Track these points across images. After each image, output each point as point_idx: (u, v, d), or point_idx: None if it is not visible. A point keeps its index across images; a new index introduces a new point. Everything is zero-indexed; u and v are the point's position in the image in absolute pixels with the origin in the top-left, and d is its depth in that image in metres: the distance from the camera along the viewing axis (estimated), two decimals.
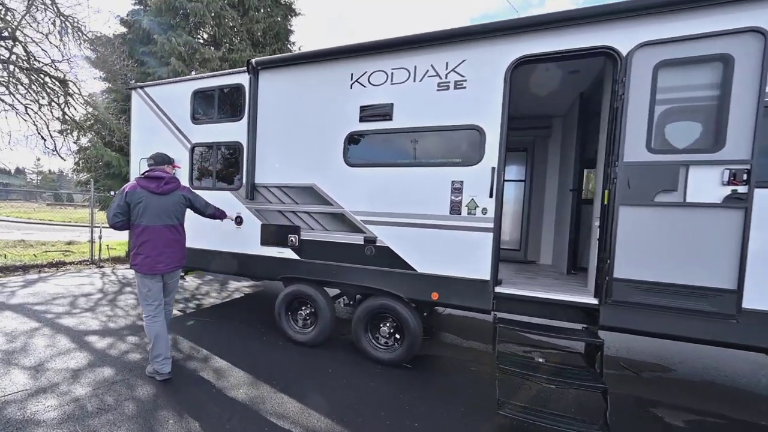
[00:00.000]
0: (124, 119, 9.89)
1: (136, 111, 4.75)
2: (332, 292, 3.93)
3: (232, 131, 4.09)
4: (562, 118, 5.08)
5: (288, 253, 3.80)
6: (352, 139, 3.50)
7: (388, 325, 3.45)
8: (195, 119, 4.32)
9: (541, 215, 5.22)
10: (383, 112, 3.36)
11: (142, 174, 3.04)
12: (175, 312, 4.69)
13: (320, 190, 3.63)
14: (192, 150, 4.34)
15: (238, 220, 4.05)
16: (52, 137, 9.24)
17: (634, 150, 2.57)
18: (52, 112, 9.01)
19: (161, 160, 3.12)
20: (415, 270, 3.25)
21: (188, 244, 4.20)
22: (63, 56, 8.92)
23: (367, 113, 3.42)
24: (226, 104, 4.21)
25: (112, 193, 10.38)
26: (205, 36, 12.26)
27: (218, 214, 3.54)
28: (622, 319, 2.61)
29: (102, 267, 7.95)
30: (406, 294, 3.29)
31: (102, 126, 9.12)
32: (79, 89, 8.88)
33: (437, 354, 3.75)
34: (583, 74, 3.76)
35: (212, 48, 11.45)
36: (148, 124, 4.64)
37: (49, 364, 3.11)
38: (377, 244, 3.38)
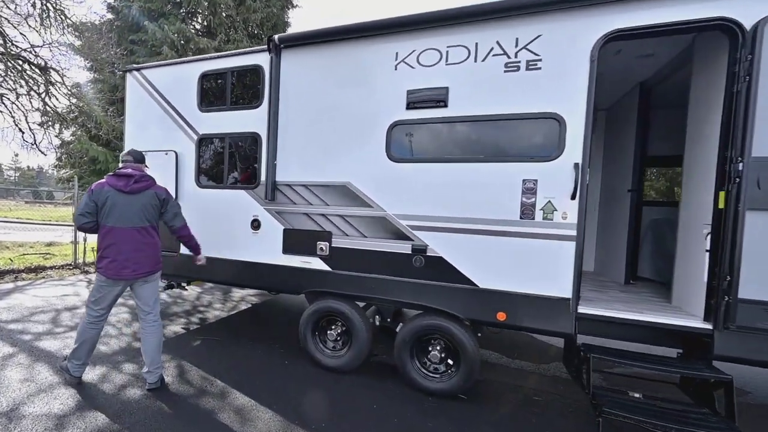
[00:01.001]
0: (113, 111, 9.15)
1: (131, 97, 4.11)
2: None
3: (249, 120, 3.51)
4: (605, 111, 4.66)
5: (316, 263, 3.24)
6: (397, 129, 2.97)
7: (438, 348, 2.93)
8: (203, 107, 3.72)
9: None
10: (436, 98, 2.84)
11: (113, 171, 2.82)
12: (177, 329, 4.08)
13: (356, 189, 3.09)
14: (199, 142, 3.73)
15: (255, 224, 3.47)
16: (31, 130, 8.41)
17: None
18: (31, 103, 8.19)
19: (140, 157, 2.89)
20: (476, 285, 2.74)
21: (185, 249, 3.65)
22: (44, 42, 8.11)
23: (416, 99, 2.89)
24: (241, 89, 3.62)
25: None
26: (198, 26, 11.56)
27: (186, 239, 3.04)
28: (747, 348, 2.16)
29: (87, 272, 7.20)
30: (464, 313, 2.77)
31: (87, 118, 8.34)
32: (62, 78, 8.09)
33: (488, 378, 3.25)
34: (655, 59, 3.31)
35: (206, 38, 10.78)
36: (145, 112, 4.01)
37: (25, 409, 2.47)
38: (428, 253, 2.86)
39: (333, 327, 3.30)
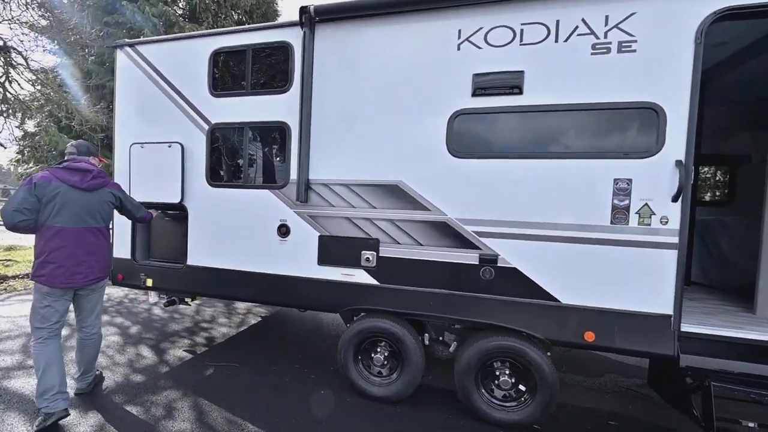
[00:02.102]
0: (87, 99, 8.18)
1: (122, 79, 3.46)
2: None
3: (274, 108, 2.99)
4: None
5: (361, 276, 2.78)
6: (461, 120, 2.56)
7: (508, 373, 2.55)
8: (216, 91, 3.16)
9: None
10: (509, 83, 2.45)
11: (59, 163, 2.53)
12: (181, 354, 3.48)
13: (410, 189, 2.65)
14: (211, 133, 3.16)
15: (283, 230, 2.96)
16: None
17: None
18: None
19: (86, 149, 2.65)
20: (558, 301, 2.38)
21: (197, 261, 3.10)
22: (2, 18, 7.08)
23: (485, 85, 2.49)
24: (264, 70, 3.08)
25: None
26: (180, 11, 10.66)
27: (148, 217, 3.02)
28: None
29: None
30: (544, 333, 2.41)
31: (57, 107, 7.37)
32: (25, 60, 7.08)
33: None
34: (721, 50, 3.07)
35: (190, 23, 9.92)
36: (140, 96, 3.38)
37: None
38: (499, 264, 2.47)
39: (379, 350, 2.86)
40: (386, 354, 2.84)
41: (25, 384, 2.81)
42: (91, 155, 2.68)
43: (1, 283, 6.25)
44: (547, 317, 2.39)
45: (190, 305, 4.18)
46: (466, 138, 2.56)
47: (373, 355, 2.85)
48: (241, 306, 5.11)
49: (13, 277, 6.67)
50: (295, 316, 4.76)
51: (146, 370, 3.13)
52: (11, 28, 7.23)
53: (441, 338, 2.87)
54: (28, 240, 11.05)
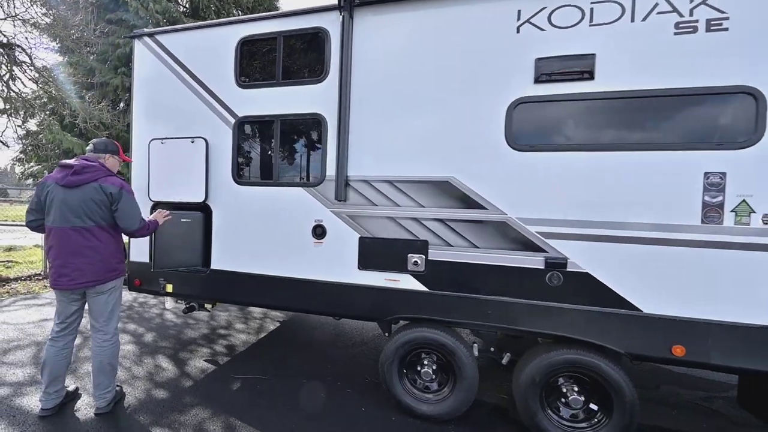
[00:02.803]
0: (91, 97, 7.93)
1: (141, 71, 3.21)
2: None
3: (308, 99, 2.74)
4: None
5: (407, 282, 2.53)
6: (522, 109, 2.31)
7: (577, 390, 2.29)
8: (243, 82, 2.91)
9: None
10: (578, 68, 2.20)
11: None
12: (203, 365, 3.22)
13: (463, 186, 2.40)
14: (238, 127, 2.91)
15: (318, 231, 2.71)
16: None
17: None
18: None
19: (103, 147, 2.49)
20: (640, 310, 2.12)
21: (222, 265, 2.85)
22: (6, 14, 6.84)
23: (549, 70, 2.24)
24: (296, 59, 2.84)
25: None
26: (181, 9, 10.44)
27: (140, 232, 2.52)
28: None
29: None
30: (624, 346, 2.15)
31: (61, 105, 7.11)
32: (30, 58, 6.83)
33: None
34: None
35: (193, 20, 9.69)
36: (160, 89, 3.13)
37: None
38: (568, 269, 2.22)
39: (426, 363, 2.60)
40: (434, 367, 2.59)
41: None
42: (110, 153, 2.50)
43: (3, 285, 5.98)
44: (626, 328, 2.13)
45: (209, 311, 3.93)
46: (529, 129, 2.31)
47: (420, 368, 2.60)
48: (256, 310, 4.85)
49: (15, 280, 6.41)
50: (314, 321, 4.49)
51: (169, 384, 2.87)
52: (14, 26, 6.99)
53: (492, 349, 2.62)
54: (28, 240, 10.79)
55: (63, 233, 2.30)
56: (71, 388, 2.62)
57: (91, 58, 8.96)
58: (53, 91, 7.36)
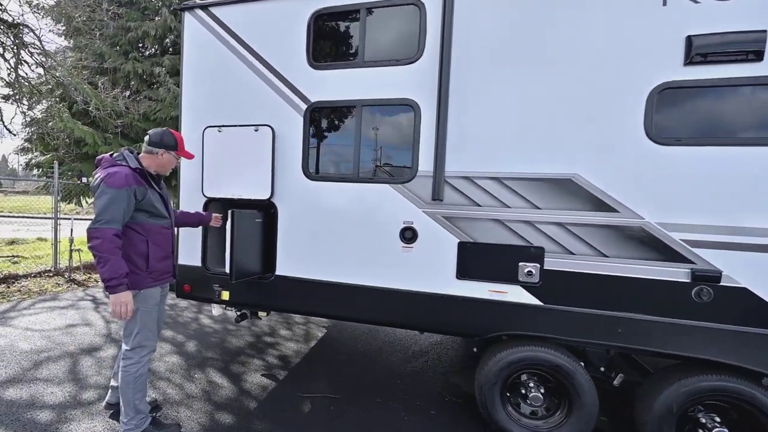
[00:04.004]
0: (104, 83, 7.44)
1: (193, 49, 2.82)
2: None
3: (397, 82, 2.38)
4: None
5: (517, 294, 2.21)
6: (668, 95, 1.98)
7: (719, 420, 2.00)
8: (318, 62, 2.54)
9: None
10: (742, 48, 1.87)
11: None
12: (260, 380, 2.88)
13: (589, 185, 2.08)
14: (310, 114, 2.55)
15: (408, 235, 2.37)
16: None
17: None
18: None
19: (157, 140, 2.12)
20: None
21: (291, 271, 2.57)
22: None
23: (704, 50, 1.91)
24: (384, 35, 2.47)
25: (84, 179, 7.86)
26: None
27: (93, 253, 1.90)
28: None
29: (74, 280, 5.74)
30: None
31: (75, 91, 6.63)
32: (38, 39, 6.33)
33: None
34: None
35: None
36: (217, 69, 2.75)
37: None
38: (722, 283, 1.92)
39: (531, 385, 2.29)
40: (542, 391, 2.29)
41: (89, 428, 2.21)
42: (164, 148, 2.12)
43: (13, 283, 5.59)
44: None
45: (260, 318, 3.59)
46: (675, 119, 1.99)
47: (525, 393, 2.29)
48: (288, 315, 4.52)
49: (25, 277, 6.00)
50: (359, 326, 4.18)
51: (231, 405, 2.54)
52: (21, 5, 6.49)
53: (602, 369, 2.32)
54: (30, 232, 10.34)
55: None
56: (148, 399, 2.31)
57: (98, 42, 8.45)
58: (61, 77, 6.88)
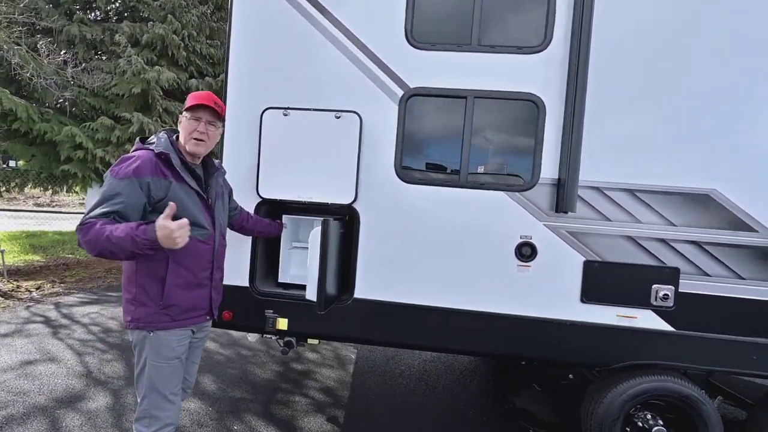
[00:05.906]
0: (48, 44, 5.94)
1: (248, 8, 2.17)
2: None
3: (518, 73, 2.04)
4: None
5: (648, 319, 2.00)
6: None
7: None
8: (419, 41, 2.09)
9: None
10: None
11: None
12: (323, 424, 2.34)
13: (728, 202, 1.94)
14: (407, 102, 2.10)
15: (525, 252, 2.05)
16: None
17: None
18: None
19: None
20: None
21: (374, 293, 2.17)
22: None
23: None
24: (502, 16, 2.10)
25: (12, 164, 6.20)
26: None
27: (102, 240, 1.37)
28: None
29: (14, 293, 4.49)
30: None
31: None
32: None
33: None
34: None
35: None
36: (282, 36, 2.13)
37: None
38: None
39: (650, 418, 2.10)
40: (661, 423, 2.11)
41: None
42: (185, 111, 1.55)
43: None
44: None
45: (304, 345, 2.98)
46: None
47: (645, 425, 2.09)
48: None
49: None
50: (394, 354, 3.75)
51: None
52: None
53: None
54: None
55: None
56: None
57: None
58: None
